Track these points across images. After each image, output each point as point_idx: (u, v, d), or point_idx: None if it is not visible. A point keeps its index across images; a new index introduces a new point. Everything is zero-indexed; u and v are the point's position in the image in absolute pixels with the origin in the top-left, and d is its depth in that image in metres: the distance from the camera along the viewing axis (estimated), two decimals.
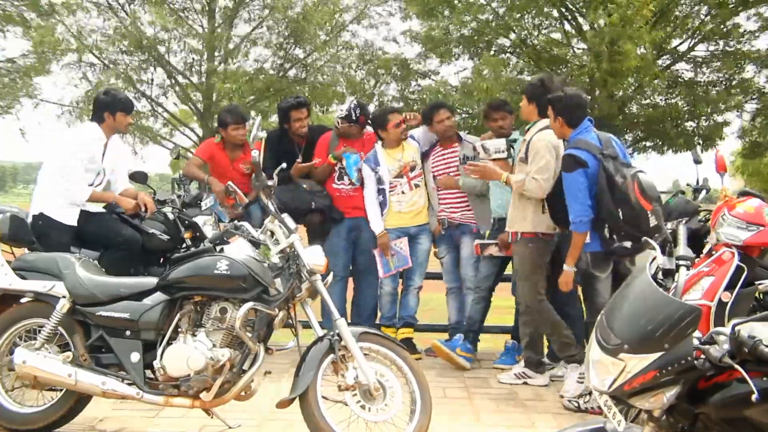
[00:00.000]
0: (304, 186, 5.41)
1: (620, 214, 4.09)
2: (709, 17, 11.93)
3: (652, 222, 4.08)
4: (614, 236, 4.19)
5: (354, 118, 5.49)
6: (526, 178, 4.50)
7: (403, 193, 5.40)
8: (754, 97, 12.86)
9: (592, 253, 4.32)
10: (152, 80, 16.23)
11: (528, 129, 4.72)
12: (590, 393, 4.24)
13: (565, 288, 4.40)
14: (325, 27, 15.43)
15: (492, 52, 13.03)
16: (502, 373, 5.05)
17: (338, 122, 5.57)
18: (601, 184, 4.11)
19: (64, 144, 4.93)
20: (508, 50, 13.50)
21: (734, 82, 12.68)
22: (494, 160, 4.94)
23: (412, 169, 5.41)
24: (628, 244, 4.17)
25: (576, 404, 4.33)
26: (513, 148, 5.02)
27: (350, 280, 5.76)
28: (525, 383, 4.89)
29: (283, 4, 15.13)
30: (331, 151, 5.50)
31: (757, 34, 12.62)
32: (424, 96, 13.49)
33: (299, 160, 5.43)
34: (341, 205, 5.51)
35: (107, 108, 4.78)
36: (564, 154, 4.26)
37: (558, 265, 4.68)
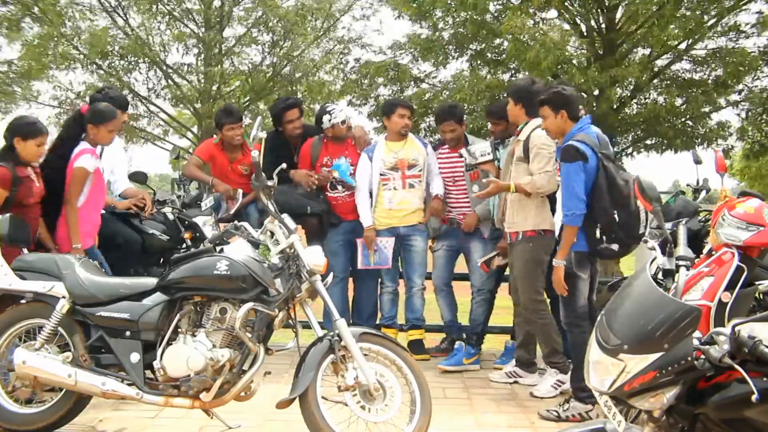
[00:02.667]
0: (301, 190, 5.36)
1: (616, 216, 4.05)
2: (706, 15, 11.86)
3: (641, 230, 4.06)
4: (603, 237, 4.11)
5: (345, 121, 5.46)
6: (534, 176, 4.43)
7: (395, 189, 5.31)
8: (750, 96, 12.77)
9: (577, 252, 4.20)
10: (147, 81, 16.19)
11: (520, 130, 4.64)
12: (569, 400, 4.21)
13: (559, 288, 4.22)
14: (314, 22, 15.44)
15: (486, 56, 12.95)
16: (493, 373, 5.05)
17: (327, 124, 5.42)
18: (600, 183, 4.05)
19: None
20: (503, 52, 13.39)
21: (729, 82, 12.61)
22: (481, 163, 4.94)
23: (410, 167, 5.35)
24: (615, 246, 4.12)
25: (555, 413, 4.20)
26: (498, 150, 5.02)
27: (351, 281, 5.75)
28: (516, 382, 4.89)
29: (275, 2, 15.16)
30: (314, 158, 5.48)
31: (755, 32, 12.54)
32: (419, 99, 13.38)
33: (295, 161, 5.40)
34: (339, 211, 5.48)
35: None
36: (565, 145, 4.12)
37: (551, 266, 4.68)
